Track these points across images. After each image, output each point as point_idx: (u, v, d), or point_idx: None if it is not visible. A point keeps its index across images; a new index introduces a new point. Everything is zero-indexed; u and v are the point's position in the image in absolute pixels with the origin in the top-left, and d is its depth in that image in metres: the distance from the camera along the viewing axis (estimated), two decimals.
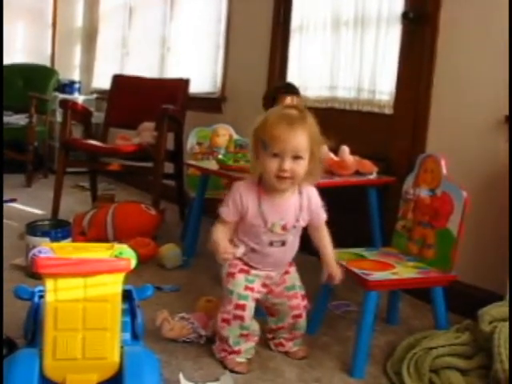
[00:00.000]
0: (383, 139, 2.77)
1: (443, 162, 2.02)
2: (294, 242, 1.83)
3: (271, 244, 1.79)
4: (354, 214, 2.69)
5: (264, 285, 1.86)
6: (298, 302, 1.89)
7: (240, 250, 1.78)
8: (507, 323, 1.69)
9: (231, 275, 1.82)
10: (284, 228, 1.77)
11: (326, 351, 2.00)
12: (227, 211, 1.77)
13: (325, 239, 1.87)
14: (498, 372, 1.59)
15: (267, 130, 1.67)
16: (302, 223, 1.81)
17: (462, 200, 1.90)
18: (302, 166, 1.68)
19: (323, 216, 1.85)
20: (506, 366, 1.57)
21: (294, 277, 1.91)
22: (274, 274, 1.86)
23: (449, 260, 1.92)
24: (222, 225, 1.78)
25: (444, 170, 2.00)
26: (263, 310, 1.95)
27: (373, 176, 2.51)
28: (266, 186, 1.75)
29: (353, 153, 2.48)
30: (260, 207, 1.75)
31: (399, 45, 2.72)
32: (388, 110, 2.80)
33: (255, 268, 1.83)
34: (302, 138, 1.66)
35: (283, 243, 1.80)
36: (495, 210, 2.28)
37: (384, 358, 1.95)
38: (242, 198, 1.75)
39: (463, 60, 2.42)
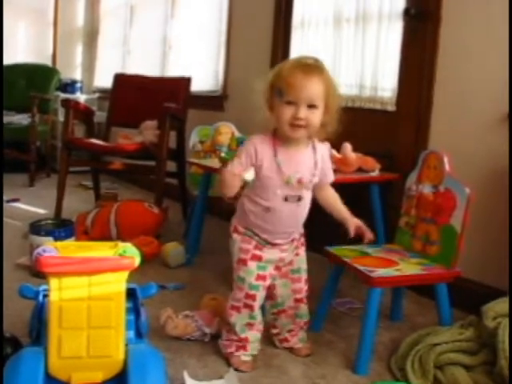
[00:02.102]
0: (386, 136, 2.77)
1: (446, 159, 2.01)
2: (307, 198, 1.79)
3: (286, 199, 1.74)
4: (356, 211, 2.67)
5: (276, 267, 1.85)
6: (301, 286, 1.89)
7: (250, 174, 1.70)
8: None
9: (243, 262, 1.80)
10: (299, 181, 1.73)
11: (331, 348, 2.00)
12: (239, 164, 1.72)
13: (333, 197, 1.87)
14: (503, 368, 1.59)
15: (283, 77, 1.66)
16: (316, 178, 1.78)
17: (465, 196, 1.90)
18: (316, 115, 1.66)
19: (331, 176, 1.85)
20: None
21: (302, 259, 1.90)
22: (286, 254, 1.84)
23: (452, 256, 1.92)
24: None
25: (447, 167, 2.00)
26: (264, 310, 1.94)
27: (375, 173, 2.51)
28: (281, 138, 1.72)
29: (355, 150, 2.48)
30: (276, 158, 1.72)
31: (401, 41, 2.72)
32: (390, 107, 2.80)
33: (268, 244, 1.79)
34: (317, 87, 1.65)
35: (299, 198, 1.76)
36: (498, 206, 2.28)
37: (388, 354, 1.95)
38: (256, 149, 1.72)
39: (465, 56, 2.42)
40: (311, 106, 1.65)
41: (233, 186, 1.70)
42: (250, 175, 1.73)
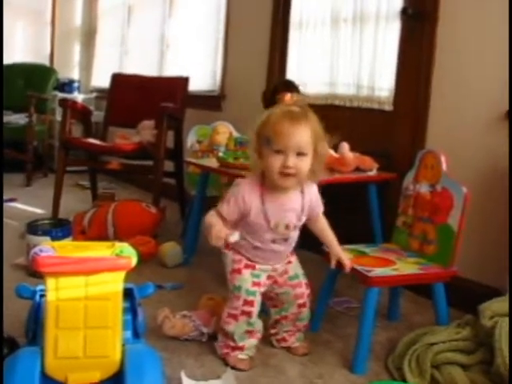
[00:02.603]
0: (383, 135, 2.77)
1: (443, 158, 2.02)
2: (294, 235, 1.84)
3: (274, 241, 1.79)
4: (354, 210, 2.69)
5: (269, 277, 1.86)
6: (302, 290, 1.90)
7: (235, 236, 1.71)
8: (507, 318, 1.69)
9: (237, 271, 1.82)
10: (287, 227, 1.78)
11: (328, 347, 2.00)
12: (227, 209, 1.75)
13: (326, 229, 1.89)
14: (500, 367, 1.59)
15: (270, 126, 1.67)
16: (303, 221, 1.82)
17: (462, 195, 1.90)
18: (305, 163, 1.67)
19: (321, 209, 1.87)
20: (507, 361, 1.57)
21: (296, 266, 1.92)
22: (279, 265, 1.87)
23: (449, 255, 1.92)
24: (219, 217, 1.75)
25: (444, 166, 2.00)
26: (265, 308, 1.94)
27: (373, 172, 2.51)
28: (269, 185, 1.74)
29: (353, 149, 2.48)
30: (263, 207, 1.74)
31: (398, 41, 2.72)
32: (388, 107, 2.80)
33: (259, 263, 1.83)
34: (305, 134, 1.65)
35: (285, 240, 1.81)
36: (495, 206, 2.28)
37: (385, 353, 1.95)
38: (244, 197, 1.74)
39: (463, 56, 2.42)
40: (300, 154, 1.66)
41: (217, 242, 1.70)
42: (234, 237, 1.71)
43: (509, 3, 2.21)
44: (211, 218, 1.74)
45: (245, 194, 1.74)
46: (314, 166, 1.71)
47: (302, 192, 1.79)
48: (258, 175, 1.76)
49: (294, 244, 1.87)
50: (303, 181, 1.75)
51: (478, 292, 2.21)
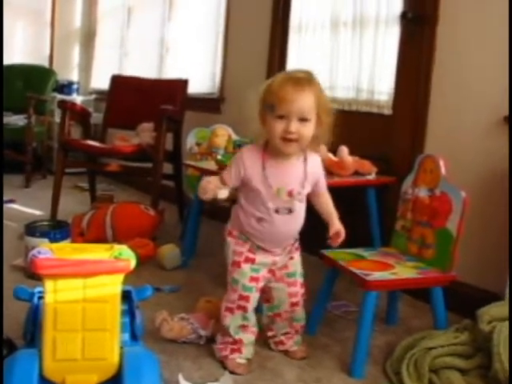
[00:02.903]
0: (382, 139, 2.77)
1: (442, 163, 2.02)
2: (300, 210, 1.80)
3: (277, 211, 1.75)
4: (352, 214, 2.68)
5: (269, 270, 1.85)
6: (296, 289, 1.89)
7: (224, 192, 1.72)
8: (506, 323, 1.69)
9: (236, 264, 1.81)
10: (290, 194, 1.75)
11: (326, 351, 2.00)
12: (228, 174, 1.75)
13: (328, 203, 1.88)
14: (498, 372, 1.59)
15: (273, 91, 1.67)
16: (307, 190, 1.79)
17: (461, 200, 1.90)
18: (308, 129, 1.66)
19: (325, 184, 1.86)
20: (506, 365, 1.58)
21: (296, 263, 1.90)
22: (279, 258, 1.85)
23: (448, 260, 1.92)
24: (220, 182, 1.76)
25: (443, 171, 2.01)
26: (260, 303, 1.93)
27: (372, 176, 2.52)
28: (272, 151, 1.73)
29: (352, 153, 2.49)
30: (264, 172, 1.73)
31: (398, 45, 2.73)
32: (387, 111, 2.80)
33: (261, 249, 1.80)
34: (308, 100, 1.65)
35: (290, 210, 1.77)
36: (494, 210, 2.28)
37: (383, 358, 1.95)
38: (245, 163, 1.73)
39: (462, 60, 2.42)
40: (303, 120, 1.65)
41: (205, 193, 1.73)
42: (222, 194, 1.73)
43: (509, 7, 2.21)
44: (210, 177, 1.76)
45: (245, 161, 1.74)
46: (318, 132, 1.70)
47: (305, 159, 1.78)
48: (261, 143, 1.76)
49: (300, 221, 1.83)
50: (306, 148, 1.74)
51: (476, 296, 2.21)
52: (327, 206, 1.88)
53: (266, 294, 1.91)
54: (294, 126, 1.64)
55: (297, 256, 1.91)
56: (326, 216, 1.86)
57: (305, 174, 1.77)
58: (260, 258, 1.82)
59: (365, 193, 2.54)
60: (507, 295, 2.03)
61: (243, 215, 1.80)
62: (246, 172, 1.74)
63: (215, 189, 1.72)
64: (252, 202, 1.77)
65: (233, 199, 1.87)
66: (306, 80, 1.68)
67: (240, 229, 1.82)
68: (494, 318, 1.75)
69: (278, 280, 1.88)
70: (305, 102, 1.65)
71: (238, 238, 1.83)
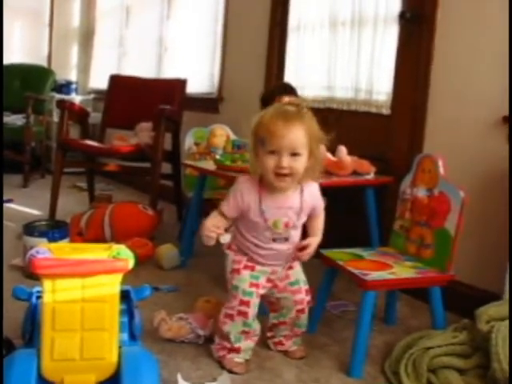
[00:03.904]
0: (381, 139, 2.77)
1: (441, 162, 2.02)
2: (296, 235, 1.82)
3: (274, 240, 1.78)
4: (351, 214, 2.69)
5: (269, 280, 1.86)
6: (302, 296, 1.89)
7: (226, 237, 1.74)
8: (504, 322, 1.69)
9: (236, 271, 1.82)
10: (286, 225, 1.77)
11: (324, 351, 2.00)
12: (227, 206, 1.77)
13: (318, 227, 1.87)
14: (496, 372, 1.59)
15: (264, 126, 1.67)
16: (303, 219, 1.81)
17: (460, 200, 1.90)
18: (300, 163, 1.67)
19: (322, 206, 1.86)
20: (504, 365, 1.58)
21: (297, 271, 1.90)
22: (279, 268, 1.86)
23: (446, 260, 1.92)
24: (220, 215, 1.78)
25: (441, 170, 2.01)
26: (265, 308, 1.94)
27: (370, 176, 2.52)
28: (267, 185, 1.74)
29: (350, 153, 2.49)
30: (261, 206, 1.74)
31: (396, 45, 2.73)
32: (385, 110, 2.80)
33: (260, 263, 1.82)
34: (299, 134, 1.65)
35: (286, 239, 1.79)
36: (492, 210, 2.28)
37: (382, 357, 1.95)
38: (243, 195, 1.75)
39: (460, 60, 2.42)
40: (294, 154, 1.66)
41: (208, 242, 1.74)
42: (225, 238, 1.76)
43: (509, 8, 2.21)
44: (209, 218, 1.77)
45: (243, 192, 1.75)
46: (310, 166, 1.71)
47: (302, 191, 1.78)
48: (257, 176, 1.76)
49: (297, 242, 1.84)
50: (301, 180, 1.75)
51: (474, 296, 2.21)
52: (317, 227, 1.87)
53: (273, 306, 1.92)
54: (286, 161, 1.65)
55: (297, 265, 1.91)
56: (310, 235, 1.87)
57: (301, 206, 1.78)
58: (259, 267, 1.83)
59: (363, 193, 2.54)
60: (506, 295, 2.03)
61: (242, 239, 1.82)
62: (244, 203, 1.75)
63: (217, 236, 1.73)
64: (249, 230, 1.80)
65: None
66: (296, 115, 1.67)
67: (239, 247, 1.85)
68: (492, 317, 1.75)
69: (282, 291, 1.89)
70: (295, 136, 1.64)
71: (237, 252, 1.85)
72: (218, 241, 1.75)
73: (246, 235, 1.81)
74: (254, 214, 1.75)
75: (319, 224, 1.88)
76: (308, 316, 1.94)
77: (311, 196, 1.81)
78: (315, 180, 1.81)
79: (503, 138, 2.23)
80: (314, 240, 1.85)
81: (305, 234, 1.87)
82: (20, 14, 5.96)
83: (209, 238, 1.73)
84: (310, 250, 1.83)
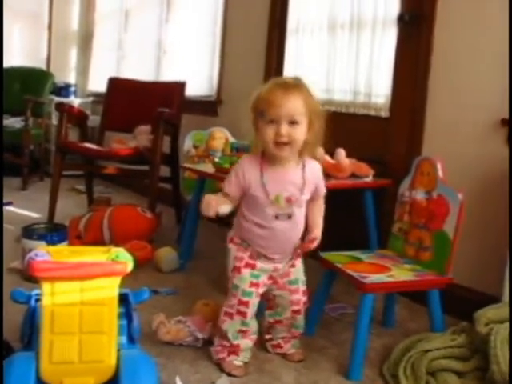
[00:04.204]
0: (379, 142, 2.78)
1: (439, 165, 2.02)
2: (300, 216, 1.80)
3: (277, 217, 1.76)
4: (350, 216, 2.69)
5: (270, 277, 1.85)
6: (298, 297, 1.89)
7: (225, 208, 1.74)
8: (503, 325, 1.69)
9: (237, 270, 1.82)
10: (288, 200, 1.75)
11: (323, 354, 2.00)
12: (229, 185, 1.78)
13: (319, 212, 1.88)
14: (495, 374, 1.59)
15: (262, 98, 1.69)
16: (306, 196, 1.80)
17: (458, 202, 1.90)
18: (299, 131, 1.68)
19: (323, 190, 1.86)
20: (503, 367, 1.58)
21: (298, 270, 1.90)
22: (281, 265, 1.85)
23: (445, 262, 1.92)
24: (223, 195, 1.78)
25: (440, 173, 2.01)
26: (262, 307, 1.93)
27: (369, 179, 2.52)
28: (269, 159, 1.75)
29: (349, 156, 2.49)
30: (262, 179, 1.74)
31: (395, 47, 2.73)
32: (384, 113, 2.80)
33: (262, 257, 1.80)
34: (297, 103, 1.66)
35: (289, 216, 1.77)
36: (491, 213, 2.28)
37: (380, 360, 1.95)
38: (244, 171, 1.75)
39: (459, 63, 2.43)
40: (293, 123, 1.67)
41: (207, 210, 1.73)
42: (224, 209, 1.75)
43: (509, 8, 2.21)
44: (211, 195, 1.77)
45: (244, 169, 1.76)
46: (310, 137, 1.71)
47: (303, 166, 1.78)
48: (259, 151, 1.77)
49: (301, 227, 1.83)
50: (301, 154, 1.75)
51: (473, 299, 2.21)
52: (317, 214, 1.88)
53: (269, 302, 1.92)
54: (285, 129, 1.66)
55: (298, 263, 1.90)
56: (312, 224, 1.86)
57: (303, 180, 1.77)
58: (261, 264, 1.82)
59: (362, 195, 2.54)
60: (505, 297, 2.03)
61: (244, 222, 1.81)
62: (246, 179, 1.75)
63: (217, 205, 1.73)
64: (252, 208, 1.78)
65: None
66: (293, 84, 1.70)
67: (242, 236, 1.83)
68: (491, 320, 1.76)
69: (280, 288, 1.88)
70: (293, 105, 1.66)
71: (240, 245, 1.83)
72: (217, 215, 1.73)
73: (248, 215, 1.79)
74: (256, 188, 1.74)
75: (321, 209, 1.88)
76: (305, 318, 1.94)
77: (313, 174, 1.81)
78: (317, 153, 1.81)
79: (502, 140, 2.24)
80: (319, 231, 1.85)
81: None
82: (19, 17, 5.96)
83: (208, 205, 1.72)
84: (317, 240, 1.83)
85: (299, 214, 1.80)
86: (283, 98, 1.66)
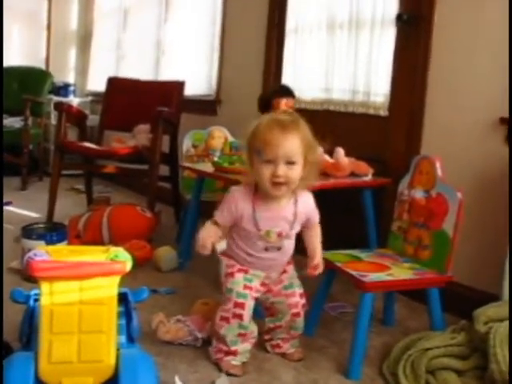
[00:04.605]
0: (378, 141, 2.78)
1: (438, 164, 2.02)
2: (289, 245, 1.83)
3: (266, 249, 1.79)
4: (349, 215, 2.69)
5: (263, 284, 1.86)
6: (296, 300, 1.89)
7: (221, 245, 1.77)
8: (503, 324, 1.69)
9: (230, 275, 1.82)
10: (279, 235, 1.78)
11: (322, 353, 2.00)
12: (221, 216, 1.78)
13: (316, 237, 1.87)
14: (494, 373, 1.59)
15: (259, 136, 1.67)
16: (296, 230, 1.82)
17: (457, 201, 1.90)
18: (295, 171, 1.68)
19: (317, 218, 1.86)
20: (502, 366, 1.58)
21: (291, 276, 1.91)
22: (273, 274, 1.86)
23: (444, 261, 1.92)
24: (214, 224, 1.79)
25: (439, 172, 2.01)
26: (261, 312, 1.95)
27: (368, 178, 2.51)
28: (262, 194, 1.75)
29: (348, 154, 2.48)
30: (254, 214, 1.75)
31: (394, 47, 2.73)
32: (383, 112, 2.80)
33: (253, 268, 1.83)
34: (294, 143, 1.66)
35: (279, 248, 1.80)
36: (491, 211, 2.28)
37: (380, 359, 1.95)
38: (237, 204, 1.75)
39: (457, 62, 2.43)
40: (290, 163, 1.66)
41: (204, 250, 1.75)
42: (220, 246, 1.80)
43: (509, 9, 2.21)
44: (204, 228, 1.79)
45: (237, 202, 1.76)
46: (305, 174, 1.71)
47: (296, 201, 1.79)
48: (252, 184, 1.77)
49: (289, 253, 1.86)
50: (296, 189, 1.75)
51: (473, 297, 2.21)
52: (315, 240, 1.87)
53: (269, 310, 1.93)
54: (282, 169, 1.66)
55: (290, 270, 1.91)
56: (311, 251, 1.86)
57: (295, 216, 1.78)
58: (253, 271, 1.84)
59: (361, 194, 2.54)
60: (505, 296, 2.03)
61: (234, 246, 1.83)
62: (238, 212, 1.76)
63: (213, 244, 1.76)
64: (242, 238, 1.80)
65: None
66: (291, 123, 1.68)
67: (231, 255, 1.86)
68: (490, 318, 1.76)
69: (276, 295, 1.89)
70: (291, 145, 1.65)
71: (230, 258, 1.86)
72: (213, 250, 1.77)
73: (238, 243, 1.81)
74: (247, 222, 1.76)
75: (317, 234, 1.88)
76: (304, 319, 1.94)
77: (305, 207, 1.81)
78: (310, 187, 1.80)
79: (501, 139, 2.24)
80: (320, 257, 1.85)
81: (298, 240, 1.88)
82: (18, 17, 5.96)
83: (204, 247, 1.75)
84: (321, 267, 1.84)
85: (288, 244, 1.83)
86: (280, 137, 1.64)
